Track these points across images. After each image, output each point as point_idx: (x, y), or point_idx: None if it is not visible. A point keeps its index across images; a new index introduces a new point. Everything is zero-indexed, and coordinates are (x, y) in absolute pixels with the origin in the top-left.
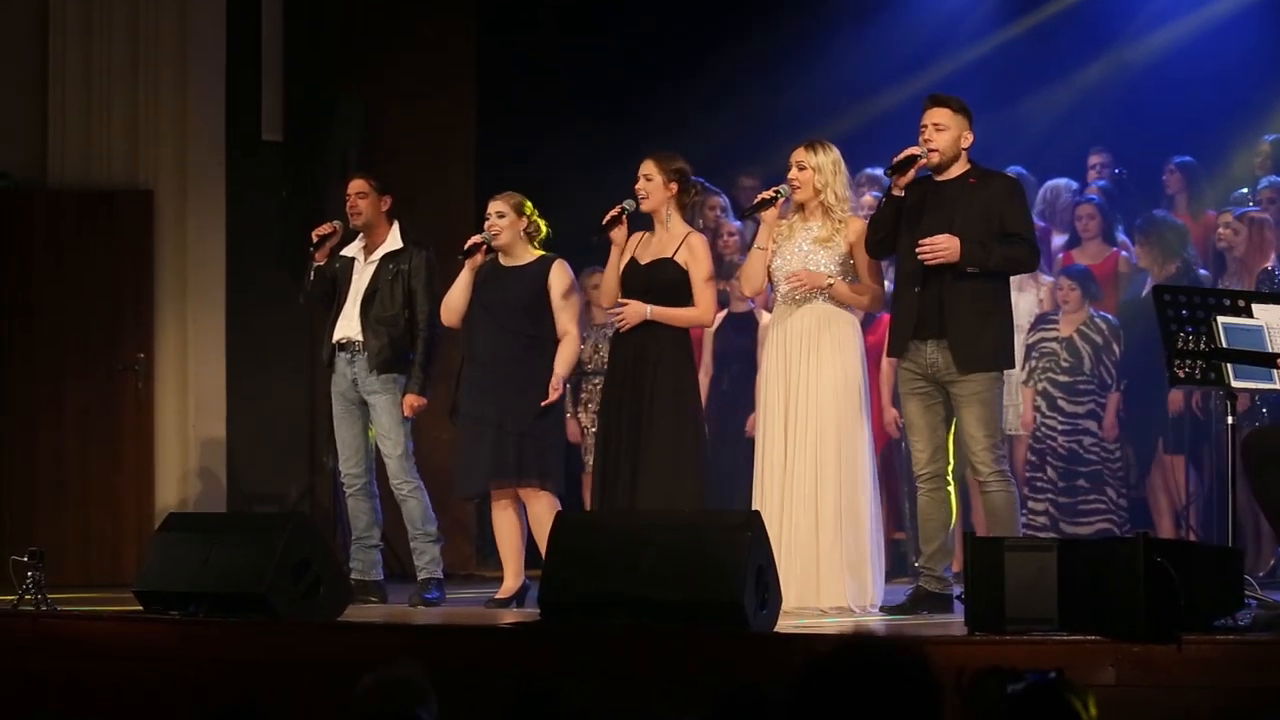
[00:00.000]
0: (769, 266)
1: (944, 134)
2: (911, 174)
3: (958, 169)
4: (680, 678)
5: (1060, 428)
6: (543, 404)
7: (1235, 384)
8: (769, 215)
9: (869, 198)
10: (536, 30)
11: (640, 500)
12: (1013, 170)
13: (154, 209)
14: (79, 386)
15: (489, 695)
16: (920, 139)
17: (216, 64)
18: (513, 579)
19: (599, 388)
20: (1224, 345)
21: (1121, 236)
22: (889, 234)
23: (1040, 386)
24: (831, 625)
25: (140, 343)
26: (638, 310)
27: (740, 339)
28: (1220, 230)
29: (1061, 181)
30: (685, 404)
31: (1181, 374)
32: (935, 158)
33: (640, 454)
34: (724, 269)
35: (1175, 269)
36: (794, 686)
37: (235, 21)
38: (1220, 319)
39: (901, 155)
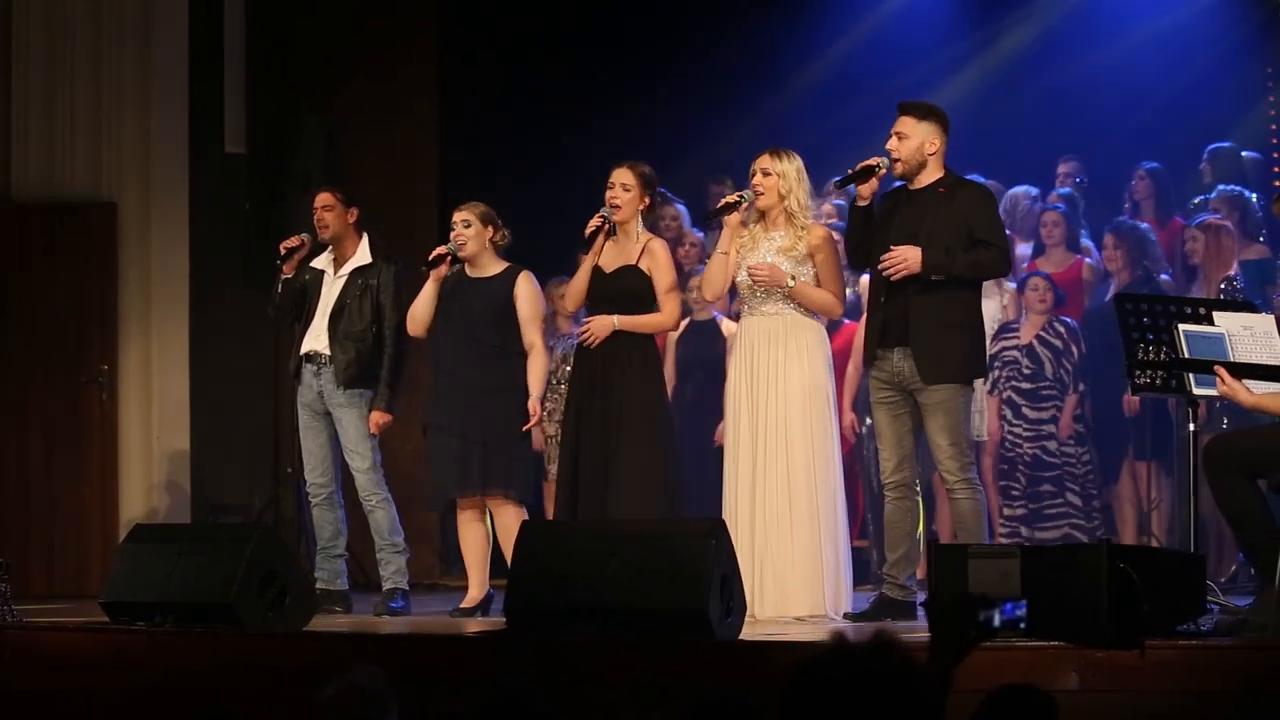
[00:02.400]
0: (734, 279)
1: (906, 142)
2: (875, 183)
3: (929, 177)
4: (646, 686)
5: (1025, 434)
6: (523, 428)
7: (1196, 391)
8: (732, 220)
9: (828, 206)
10: (499, 48)
11: (612, 508)
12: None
13: (117, 221)
14: (43, 398)
15: (455, 704)
16: (886, 147)
17: (179, 77)
18: (477, 588)
19: (564, 398)
20: (1185, 353)
21: (1086, 242)
22: (862, 245)
23: (1005, 395)
24: (802, 633)
25: (104, 355)
26: (604, 324)
27: (703, 347)
28: (1187, 242)
29: (1021, 189)
30: (656, 413)
31: (1143, 382)
32: (899, 167)
33: (610, 463)
34: (683, 278)
35: (1134, 276)
36: (782, 699)
37: (198, 34)
38: (1181, 327)
39: (857, 167)
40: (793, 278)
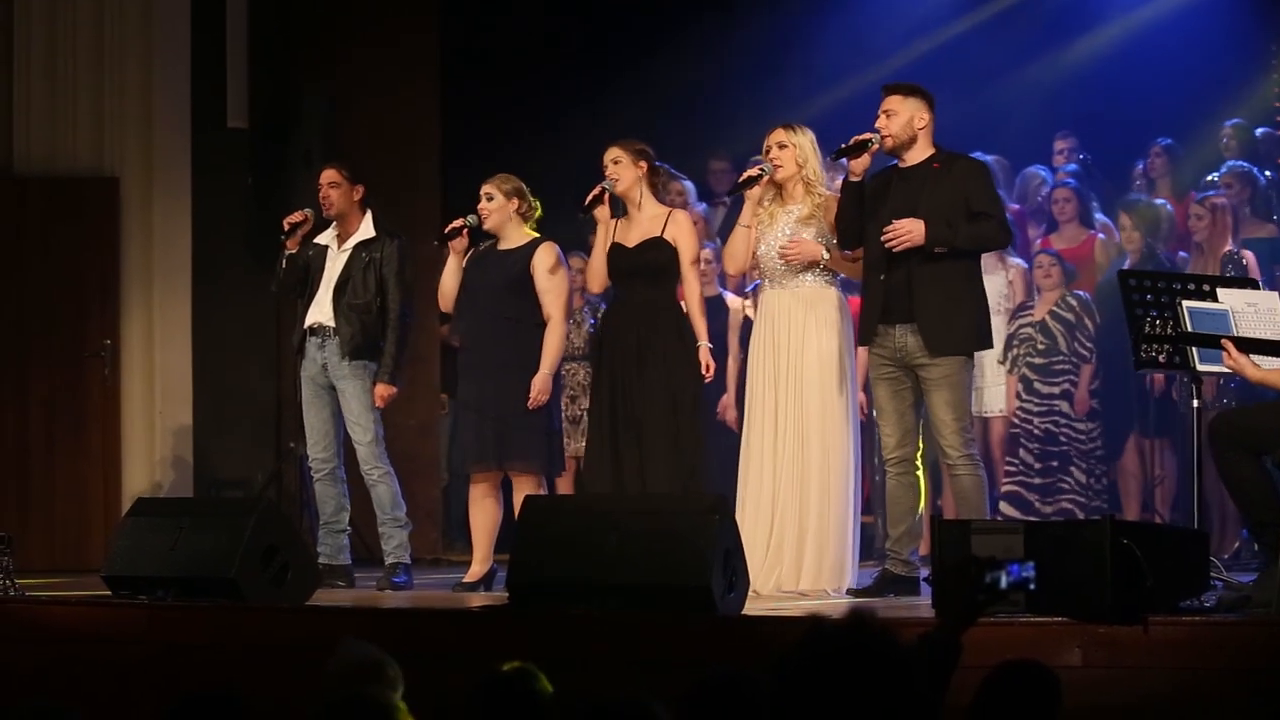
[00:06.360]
0: (754, 252)
1: (895, 118)
2: (867, 159)
3: (920, 154)
4: (648, 661)
5: (1036, 409)
6: (529, 407)
7: (1201, 368)
8: (754, 193)
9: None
10: (501, 21)
11: (649, 481)
12: (983, 157)
13: (119, 196)
14: (45, 373)
15: (457, 678)
16: (875, 126)
17: (181, 50)
18: (480, 563)
19: (573, 373)
20: (1190, 329)
21: (1101, 218)
22: (853, 223)
23: (1021, 373)
24: (805, 608)
25: (106, 329)
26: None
27: (709, 323)
28: (1191, 219)
29: (1034, 169)
30: (694, 384)
31: (1148, 357)
32: (889, 143)
33: (644, 435)
34: None
35: (1143, 253)
36: (772, 678)
37: (200, 8)
38: (1186, 303)
39: (850, 141)
40: (826, 249)
